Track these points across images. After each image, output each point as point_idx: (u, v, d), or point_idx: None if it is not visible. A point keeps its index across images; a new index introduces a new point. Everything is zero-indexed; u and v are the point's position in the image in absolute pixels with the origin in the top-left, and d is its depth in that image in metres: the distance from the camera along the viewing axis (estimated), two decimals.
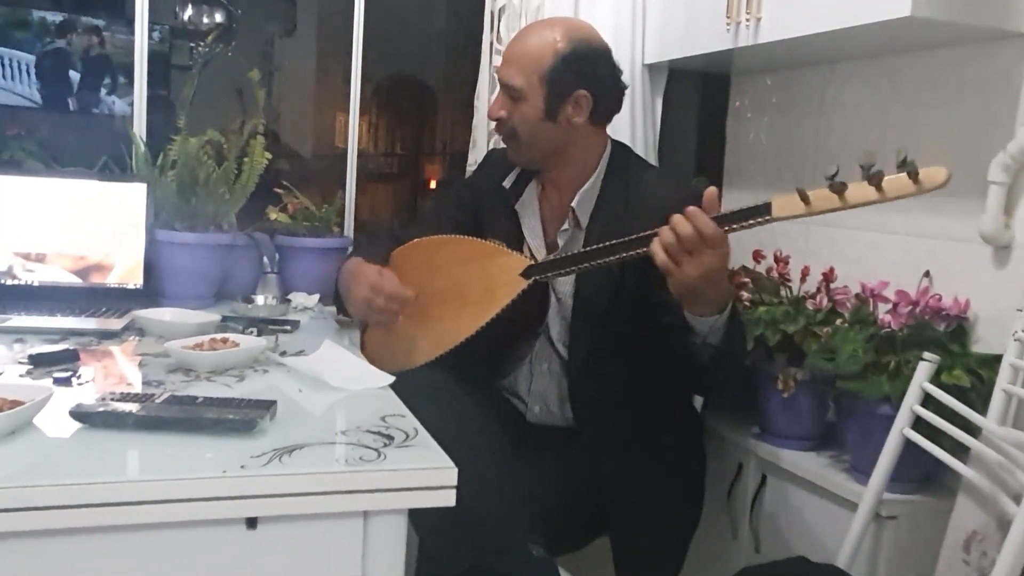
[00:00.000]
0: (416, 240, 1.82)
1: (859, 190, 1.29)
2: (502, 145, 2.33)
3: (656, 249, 1.39)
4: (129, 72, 2.34)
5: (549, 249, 1.76)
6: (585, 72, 1.66)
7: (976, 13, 1.63)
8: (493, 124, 1.77)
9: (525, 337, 1.75)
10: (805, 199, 1.33)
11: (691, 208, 1.37)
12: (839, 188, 1.29)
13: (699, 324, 1.49)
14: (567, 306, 1.71)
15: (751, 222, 1.37)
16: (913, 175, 1.24)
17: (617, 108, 1.76)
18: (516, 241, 1.78)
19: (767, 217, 1.36)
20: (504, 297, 1.62)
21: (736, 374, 1.73)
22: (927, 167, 1.25)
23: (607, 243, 1.51)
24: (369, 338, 1.84)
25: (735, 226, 1.38)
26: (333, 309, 2.08)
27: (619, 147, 1.79)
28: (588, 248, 1.55)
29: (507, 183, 1.79)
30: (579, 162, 1.73)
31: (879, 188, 1.27)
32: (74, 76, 2.63)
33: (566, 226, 1.72)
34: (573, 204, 1.70)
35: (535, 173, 1.80)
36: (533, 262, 1.63)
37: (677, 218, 1.38)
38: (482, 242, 1.72)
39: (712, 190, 1.39)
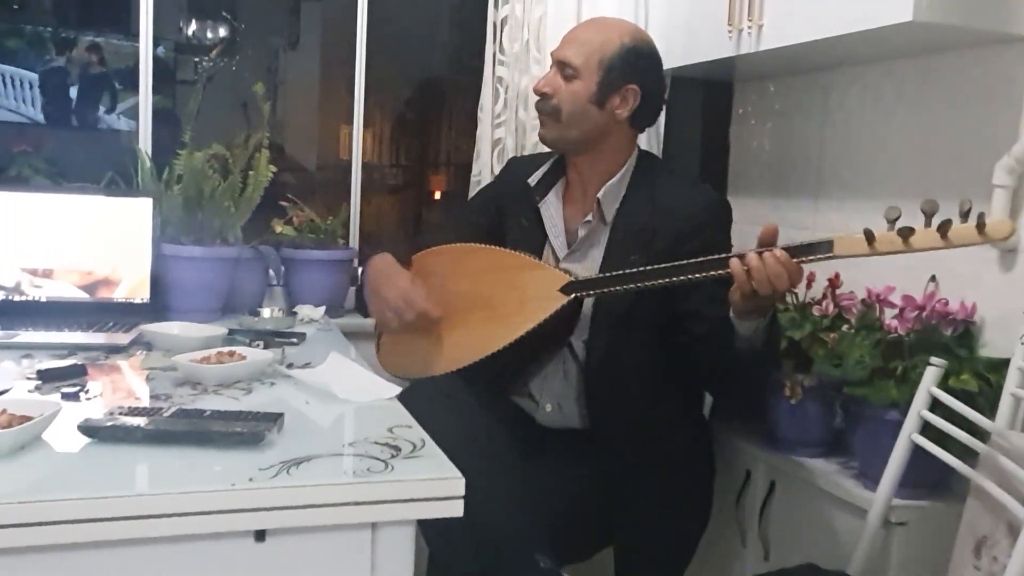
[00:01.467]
0: (440, 247, 1.82)
1: (925, 236, 1.31)
2: (506, 155, 2.36)
3: (746, 287, 1.41)
4: (128, 81, 2.35)
5: (570, 242, 1.77)
6: (641, 70, 1.72)
7: (978, 17, 1.63)
8: (536, 99, 1.78)
9: (551, 349, 1.75)
10: (870, 240, 1.35)
11: (779, 251, 1.40)
12: (906, 233, 1.32)
13: (746, 329, 1.51)
14: (587, 304, 1.71)
15: (811, 258, 1.40)
16: (980, 226, 1.27)
17: (654, 119, 1.82)
18: (539, 240, 1.79)
19: (828, 255, 1.39)
20: (540, 311, 1.63)
21: (763, 378, 1.74)
22: (993, 218, 1.28)
23: (651, 267, 1.53)
24: (386, 342, 1.83)
25: (802, 259, 1.41)
26: (339, 321, 2.08)
27: (646, 152, 1.83)
28: (632, 271, 1.56)
29: (532, 180, 1.80)
30: (608, 158, 1.75)
31: (944, 236, 1.29)
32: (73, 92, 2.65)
33: (589, 217, 1.74)
34: (599, 195, 1.72)
35: (561, 172, 1.81)
36: (573, 278, 1.63)
37: (770, 260, 1.39)
38: (514, 253, 1.73)
39: (772, 225, 1.43)
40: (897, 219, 1.32)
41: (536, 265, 1.70)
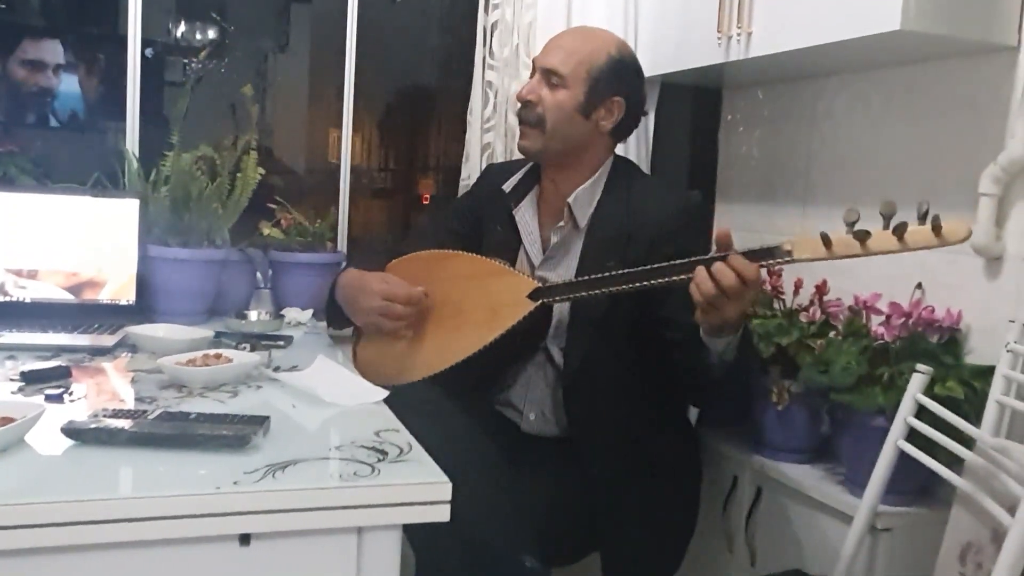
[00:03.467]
0: (413, 254, 1.82)
1: (881, 239, 1.30)
2: (495, 160, 2.36)
3: (697, 297, 1.39)
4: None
5: (544, 249, 1.77)
6: (627, 82, 1.73)
7: (965, 26, 1.64)
8: (517, 106, 1.77)
9: (524, 355, 1.75)
10: (827, 244, 1.34)
11: (732, 256, 1.37)
12: (862, 236, 1.30)
13: (717, 345, 1.50)
14: (564, 311, 1.71)
15: (770, 262, 1.38)
16: (936, 229, 1.26)
17: (632, 130, 1.81)
18: (514, 247, 1.79)
19: (787, 259, 1.37)
20: (509, 318, 1.63)
21: (742, 384, 1.74)
22: (949, 219, 1.26)
23: (618, 272, 1.52)
24: (363, 352, 1.84)
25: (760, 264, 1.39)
26: (325, 324, 2.08)
27: (621, 158, 1.82)
28: (599, 276, 1.55)
29: (507, 187, 1.80)
30: (586, 168, 1.75)
31: (901, 239, 1.28)
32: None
33: (561, 223, 1.73)
34: (569, 200, 1.71)
35: (536, 180, 1.80)
36: (540, 284, 1.63)
37: (720, 268, 1.37)
38: (486, 260, 1.73)
39: (724, 229, 1.40)
40: (855, 222, 1.30)
41: (506, 271, 1.69)
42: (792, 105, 2.28)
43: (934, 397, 1.54)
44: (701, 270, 1.38)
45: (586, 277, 1.58)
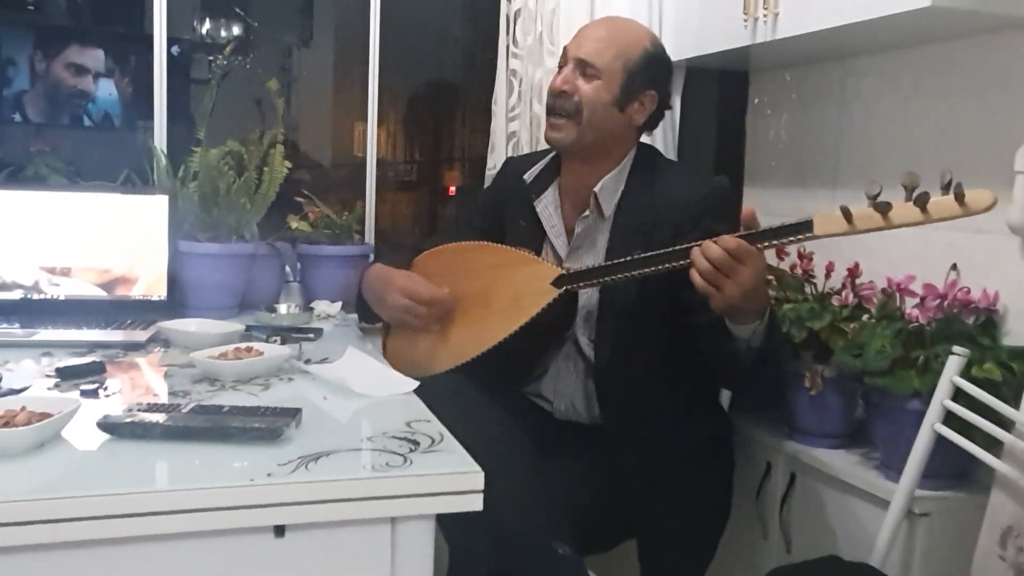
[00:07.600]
0: (440, 247, 1.82)
1: (904, 211, 1.28)
2: (521, 149, 2.35)
3: (695, 278, 1.40)
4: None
5: (570, 240, 1.76)
6: (660, 77, 1.73)
7: (997, 1, 1.61)
8: (548, 99, 1.74)
9: (552, 343, 1.75)
10: (848, 217, 1.32)
11: (724, 237, 1.38)
12: (883, 208, 1.28)
13: (742, 331, 1.50)
14: (592, 302, 1.70)
15: (791, 239, 1.38)
16: (959, 197, 1.23)
17: (659, 123, 1.81)
18: (538, 238, 1.78)
19: (808, 235, 1.36)
20: (533, 306, 1.62)
21: (774, 370, 1.72)
22: (973, 188, 1.23)
23: (641, 255, 1.52)
24: (391, 343, 1.84)
25: (776, 242, 1.39)
26: (356, 316, 2.09)
27: (644, 145, 1.81)
28: (621, 260, 1.55)
29: (528, 177, 1.79)
30: (612, 159, 1.73)
31: (924, 209, 1.26)
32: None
33: (586, 213, 1.72)
34: (596, 189, 1.70)
35: (557, 171, 1.79)
36: (564, 271, 1.62)
37: (706, 244, 1.39)
38: (509, 249, 1.72)
39: (749, 208, 1.40)
40: (878, 195, 1.28)
41: (530, 260, 1.69)
42: (820, 87, 2.25)
43: (971, 379, 1.51)
44: (695, 250, 1.40)
45: (609, 263, 1.58)
